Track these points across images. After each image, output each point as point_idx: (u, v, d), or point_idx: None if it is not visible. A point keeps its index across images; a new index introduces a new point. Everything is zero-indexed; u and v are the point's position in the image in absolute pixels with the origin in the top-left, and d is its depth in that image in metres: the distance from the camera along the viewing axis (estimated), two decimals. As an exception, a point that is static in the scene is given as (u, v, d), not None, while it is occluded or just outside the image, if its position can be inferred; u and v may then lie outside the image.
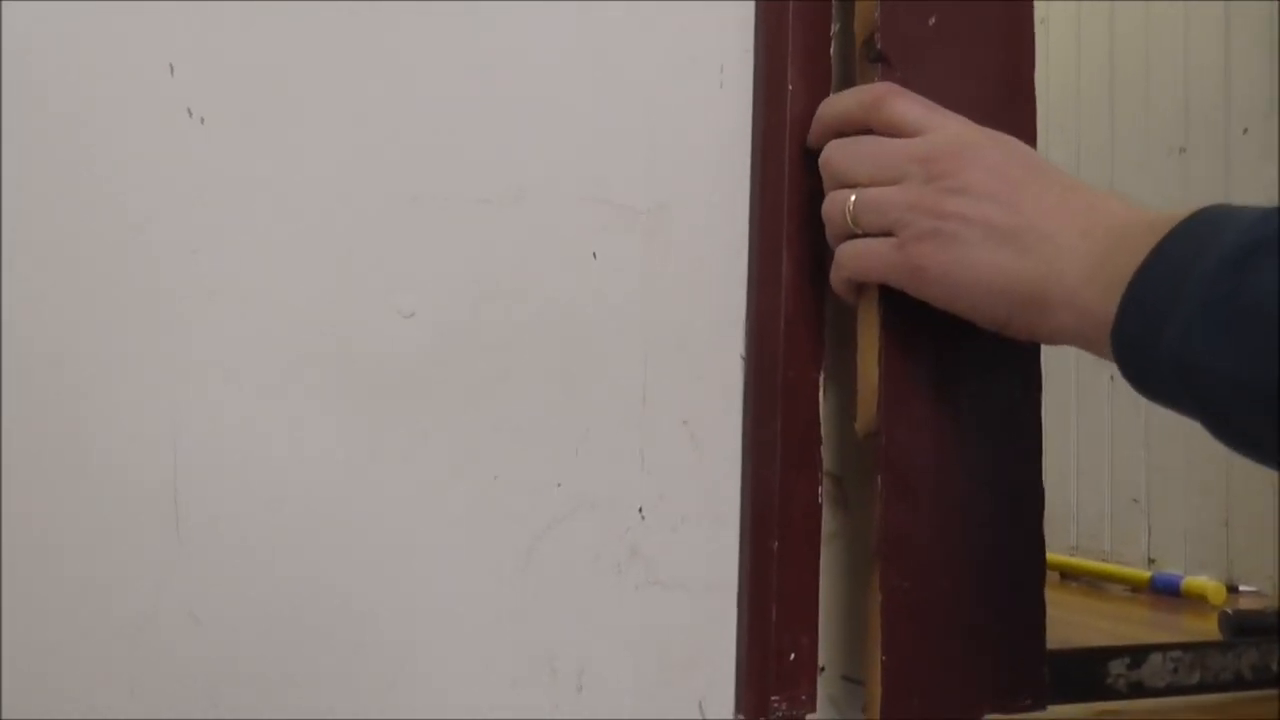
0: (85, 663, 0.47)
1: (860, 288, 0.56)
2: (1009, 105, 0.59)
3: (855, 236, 0.55)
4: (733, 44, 0.60)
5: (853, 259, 0.55)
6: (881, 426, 0.56)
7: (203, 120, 0.50)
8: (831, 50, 0.59)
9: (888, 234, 0.53)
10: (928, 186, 0.52)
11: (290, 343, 0.51)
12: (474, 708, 0.54)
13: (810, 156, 0.58)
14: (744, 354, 0.59)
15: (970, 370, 0.57)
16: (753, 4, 0.60)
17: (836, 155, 0.55)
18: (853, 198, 0.54)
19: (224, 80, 0.50)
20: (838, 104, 0.57)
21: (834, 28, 0.59)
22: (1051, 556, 0.60)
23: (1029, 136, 0.59)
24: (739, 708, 0.58)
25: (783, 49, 0.58)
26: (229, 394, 0.49)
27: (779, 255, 0.57)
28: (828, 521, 0.59)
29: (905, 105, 0.54)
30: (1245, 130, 1.16)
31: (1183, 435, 1.15)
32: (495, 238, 0.55)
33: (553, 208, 0.56)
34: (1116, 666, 0.77)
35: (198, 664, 0.49)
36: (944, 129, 0.53)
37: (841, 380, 0.60)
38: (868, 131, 0.55)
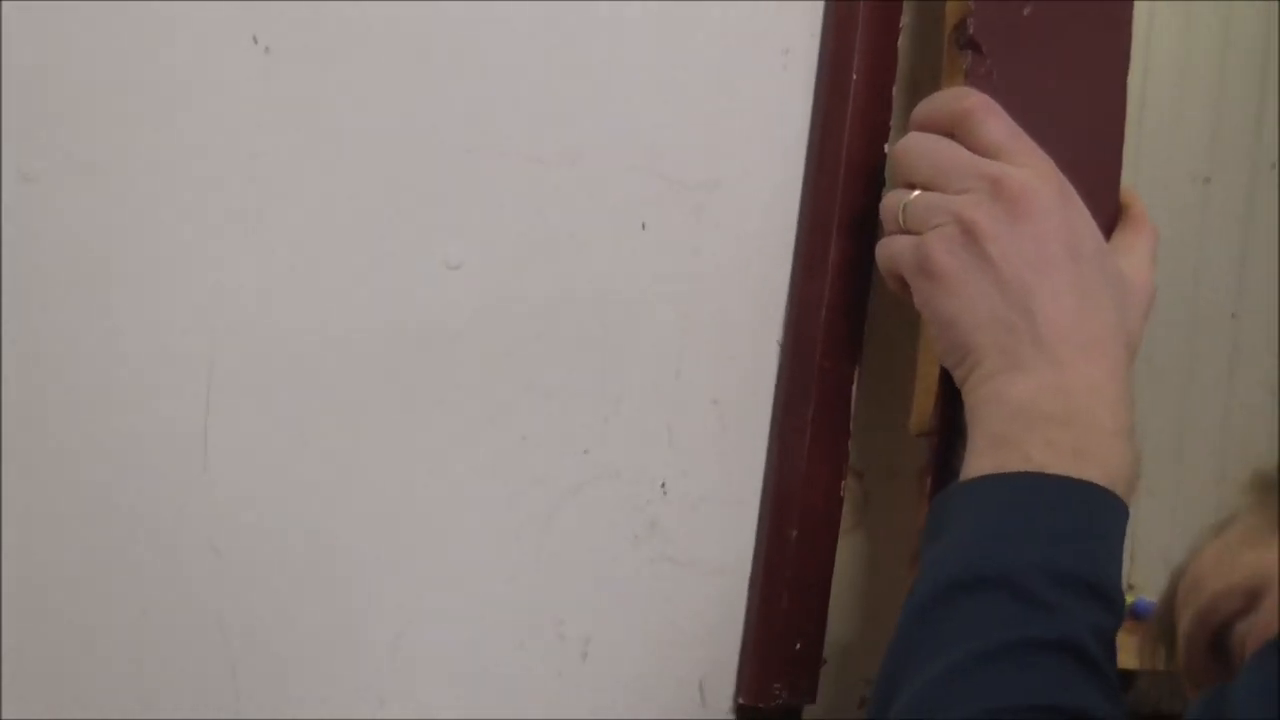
0: (99, 582, 0.46)
1: None
2: (1098, 105, 0.58)
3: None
4: (800, 27, 0.59)
5: (881, 249, 0.54)
6: (938, 426, 0.55)
7: (267, 49, 0.49)
8: (900, 42, 0.59)
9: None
10: (982, 208, 0.50)
11: (335, 279, 0.50)
12: (479, 665, 0.54)
13: (870, 150, 0.57)
14: (781, 340, 0.59)
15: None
16: (824, -12, 0.60)
17: (910, 150, 0.54)
18: (910, 198, 0.53)
19: (290, 11, 0.49)
20: (931, 104, 0.55)
21: (904, 19, 0.59)
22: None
23: (1116, 135, 0.58)
24: (740, 691, 0.58)
25: (850, 37, 0.58)
26: (268, 326, 0.49)
27: (827, 244, 0.57)
28: (847, 516, 0.59)
29: (995, 125, 0.52)
30: (1273, 165, 1.16)
31: (1171, 463, 1.16)
32: (547, 198, 0.54)
33: (606, 174, 0.55)
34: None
35: (211, 592, 0.48)
36: (1026, 160, 0.52)
37: (874, 376, 0.60)
38: (950, 135, 0.53)
